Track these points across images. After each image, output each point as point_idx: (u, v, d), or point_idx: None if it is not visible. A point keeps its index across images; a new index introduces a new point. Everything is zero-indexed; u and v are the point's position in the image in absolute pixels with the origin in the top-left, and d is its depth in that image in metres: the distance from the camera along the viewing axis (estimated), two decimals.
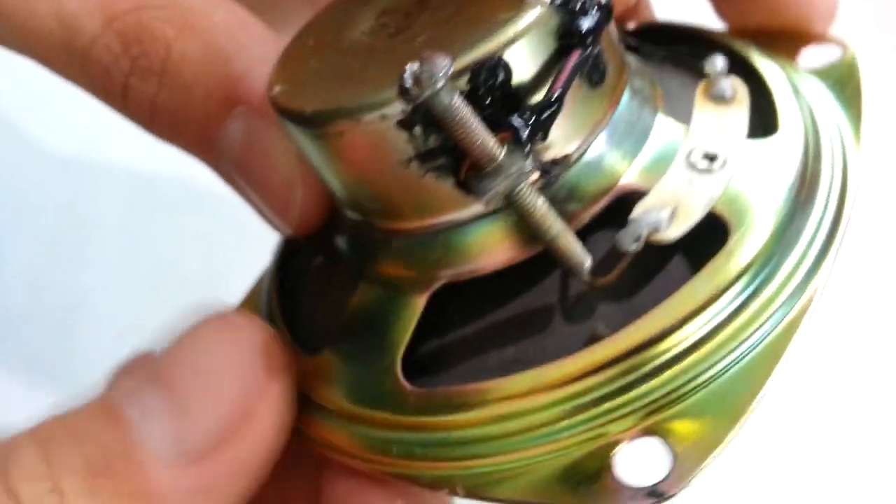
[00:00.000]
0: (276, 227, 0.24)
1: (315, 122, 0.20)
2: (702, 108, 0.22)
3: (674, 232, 0.19)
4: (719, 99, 0.22)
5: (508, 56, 0.18)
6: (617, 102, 0.21)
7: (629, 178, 0.21)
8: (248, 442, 0.20)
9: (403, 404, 0.20)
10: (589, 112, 0.20)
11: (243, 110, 0.22)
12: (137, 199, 0.40)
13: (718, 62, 0.22)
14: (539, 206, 0.19)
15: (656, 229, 0.19)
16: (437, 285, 0.21)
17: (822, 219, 0.21)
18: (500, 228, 0.20)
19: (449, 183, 0.19)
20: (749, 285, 0.19)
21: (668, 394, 0.18)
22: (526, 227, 0.20)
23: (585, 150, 0.20)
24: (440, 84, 0.17)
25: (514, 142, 0.18)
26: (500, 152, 0.18)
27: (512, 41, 0.18)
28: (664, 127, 0.21)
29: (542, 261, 0.20)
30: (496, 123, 0.18)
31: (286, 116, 0.20)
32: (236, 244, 0.38)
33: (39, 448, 0.18)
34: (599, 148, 0.21)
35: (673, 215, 0.20)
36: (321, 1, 0.23)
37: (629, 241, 0.19)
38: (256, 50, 0.22)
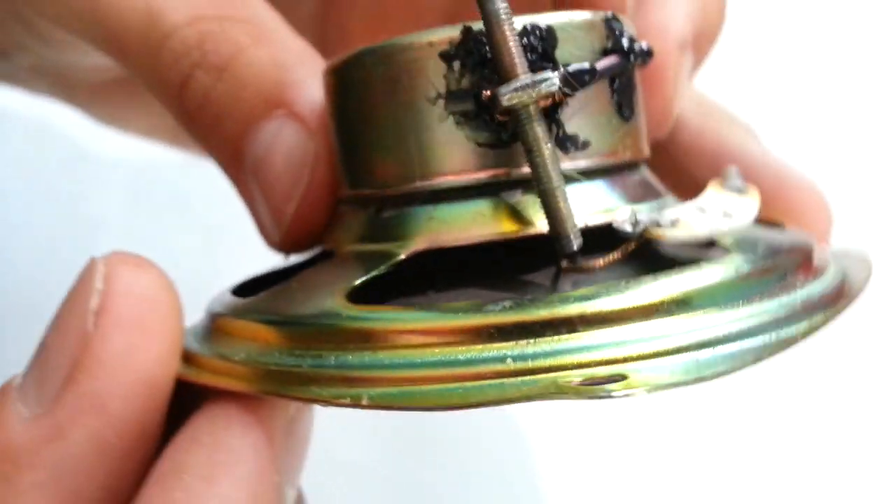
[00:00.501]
0: (266, 236, 0.24)
1: (368, 52, 0.21)
2: (715, 189, 0.22)
3: (671, 232, 0.19)
4: (732, 189, 0.22)
5: (558, 29, 0.20)
6: (640, 151, 0.22)
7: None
8: (94, 376, 0.18)
9: (337, 315, 0.18)
10: (613, 138, 0.21)
11: (282, 113, 0.23)
12: (138, 198, 0.39)
13: (732, 167, 0.23)
14: (547, 147, 0.19)
15: (657, 224, 0.19)
16: (413, 251, 0.20)
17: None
18: (494, 207, 0.20)
19: (464, 133, 0.20)
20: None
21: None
22: (520, 212, 0.20)
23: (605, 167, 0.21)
24: None
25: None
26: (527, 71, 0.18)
27: (565, 19, 0.20)
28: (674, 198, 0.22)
29: (531, 244, 0.20)
30: (532, 65, 0.19)
31: (343, 60, 0.21)
32: (236, 244, 0.36)
33: None
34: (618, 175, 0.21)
35: (675, 224, 0.19)
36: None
37: (626, 221, 0.19)
38: (311, 68, 0.24)
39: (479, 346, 0.17)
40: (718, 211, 0.21)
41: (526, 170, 0.19)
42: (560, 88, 0.18)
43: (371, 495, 0.34)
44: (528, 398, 0.16)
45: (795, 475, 0.35)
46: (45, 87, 0.32)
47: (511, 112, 0.18)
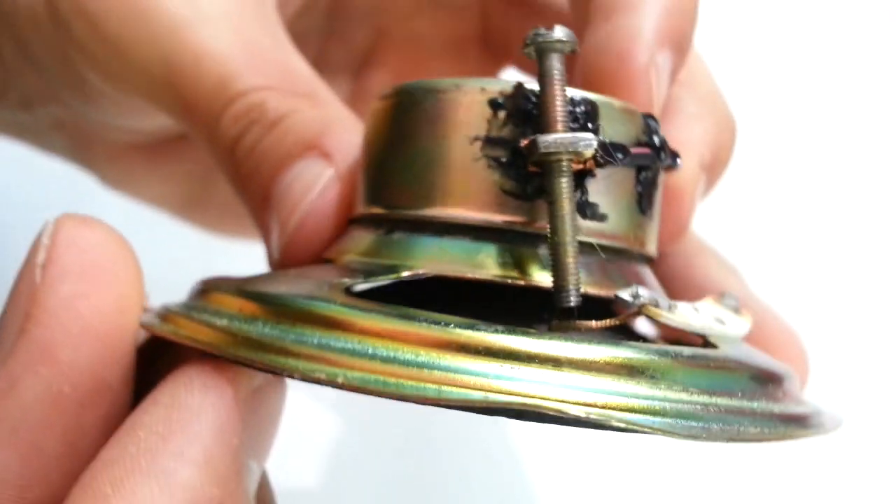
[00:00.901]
0: (270, 256, 0.25)
1: (420, 85, 0.22)
2: (711, 301, 0.23)
3: (668, 315, 0.19)
4: (728, 306, 0.23)
5: (602, 106, 0.21)
6: (649, 248, 0.22)
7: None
8: (42, 325, 0.18)
9: (331, 301, 0.18)
10: (629, 225, 0.22)
11: (314, 153, 0.25)
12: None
13: (731, 292, 0.24)
14: (570, 203, 0.19)
15: (655, 304, 0.19)
16: (416, 272, 0.20)
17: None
18: (503, 252, 0.20)
19: (493, 177, 0.20)
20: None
21: None
22: (525, 263, 0.20)
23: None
24: (562, 38, 0.19)
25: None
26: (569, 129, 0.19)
27: (610, 100, 0.21)
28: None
29: (529, 295, 0.20)
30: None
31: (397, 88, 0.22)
32: (236, 245, 0.36)
33: None
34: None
35: (672, 309, 0.20)
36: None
37: (627, 295, 0.19)
38: (351, 126, 0.26)
39: (467, 358, 0.17)
40: (712, 316, 0.21)
41: (540, 226, 0.20)
42: (596, 153, 0.19)
43: (370, 494, 0.33)
44: (509, 405, 0.16)
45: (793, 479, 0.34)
46: (60, 145, 0.33)
47: (544, 162, 0.19)
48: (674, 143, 0.24)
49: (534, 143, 0.19)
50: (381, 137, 0.23)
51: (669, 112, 0.25)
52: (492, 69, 0.34)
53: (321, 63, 0.32)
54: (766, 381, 0.20)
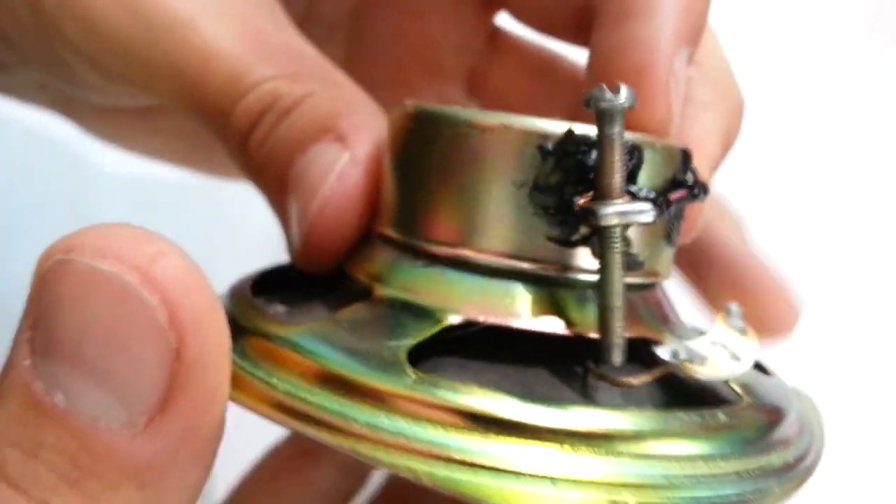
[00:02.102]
0: (291, 246, 0.25)
1: (465, 117, 0.21)
2: (722, 326, 0.24)
3: (703, 371, 0.21)
4: (736, 329, 0.24)
5: (647, 151, 0.21)
6: (669, 273, 0.23)
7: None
8: (198, 390, 0.17)
9: (401, 379, 0.19)
10: (660, 260, 0.22)
11: (331, 137, 0.24)
12: (138, 198, 0.38)
13: (733, 305, 0.25)
14: (619, 272, 0.20)
15: (691, 360, 0.21)
16: (465, 318, 0.21)
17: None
18: (544, 298, 0.21)
19: (537, 224, 0.20)
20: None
21: None
22: (567, 310, 0.21)
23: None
24: (624, 102, 0.19)
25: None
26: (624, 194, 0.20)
27: (653, 142, 0.21)
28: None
29: (571, 344, 0.21)
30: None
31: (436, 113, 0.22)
32: (236, 244, 0.35)
33: (3, 483, 0.17)
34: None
35: (704, 363, 0.21)
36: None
37: (667, 353, 0.20)
38: (368, 108, 0.25)
39: (537, 453, 0.18)
40: (728, 353, 0.23)
41: (581, 273, 0.21)
42: (651, 221, 0.20)
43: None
44: None
45: None
46: (43, 101, 0.31)
47: (600, 229, 0.19)
48: (686, 138, 0.24)
49: (591, 212, 0.19)
50: (416, 162, 0.22)
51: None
52: (487, 15, 0.32)
53: (311, 20, 0.30)
54: (779, 424, 0.22)
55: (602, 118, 0.19)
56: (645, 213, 0.19)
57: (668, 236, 0.22)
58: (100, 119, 0.32)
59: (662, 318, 0.22)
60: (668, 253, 0.23)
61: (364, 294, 0.22)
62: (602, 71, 0.24)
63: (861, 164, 0.51)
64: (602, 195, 0.19)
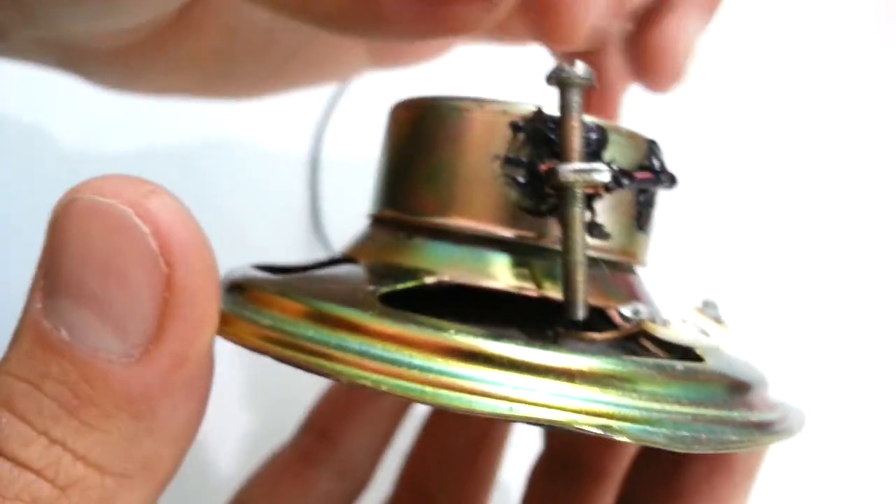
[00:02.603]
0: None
1: (449, 101, 0.23)
2: (696, 312, 0.25)
3: (665, 332, 0.22)
4: (711, 317, 0.25)
5: (611, 133, 0.23)
6: (642, 260, 0.24)
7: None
8: (188, 318, 0.19)
9: (369, 311, 0.20)
10: (628, 241, 0.24)
11: None
12: None
13: (712, 300, 0.26)
14: (581, 227, 0.21)
15: (653, 320, 0.22)
16: (440, 279, 0.22)
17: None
18: (515, 264, 0.22)
19: (510, 194, 0.22)
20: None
21: None
22: (536, 274, 0.22)
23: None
24: (582, 74, 0.21)
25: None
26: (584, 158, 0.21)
27: (618, 126, 0.23)
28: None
29: (542, 307, 0.22)
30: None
31: (422, 100, 0.24)
32: (236, 244, 0.37)
33: (6, 411, 0.18)
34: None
35: (666, 325, 0.22)
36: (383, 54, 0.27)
37: (629, 311, 0.21)
38: None
39: (494, 370, 0.19)
40: (698, 328, 0.24)
41: (550, 240, 0.22)
42: (608, 181, 0.21)
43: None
44: (529, 418, 0.18)
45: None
46: (49, 61, 0.31)
47: (561, 188, 0.21)
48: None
49: (553, 172, 0.21)
50: (404, 146, 0.24)
51: None
52: None
53: None
54: (744, 390, 0.22)
55: (561, 88, 0.21)
56: (601, 172, 0.21)
57: (638, 219, 0.24)
58: (109, 66, 0.31)
59: (633, 295, 0.24)
60: (639, 238, 0.24)
61: (350, 262, 0.24)
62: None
63: (861, 166, 0.53)
64: (561, 157, 0.21)
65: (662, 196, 0.27)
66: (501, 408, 0.18)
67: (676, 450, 0.19)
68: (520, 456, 0.35)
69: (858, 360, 0.47)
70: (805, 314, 0.48)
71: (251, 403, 0.42)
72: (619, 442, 0.32)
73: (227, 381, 0.42)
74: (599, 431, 0.18)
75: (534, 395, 0.19)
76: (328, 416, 0.35)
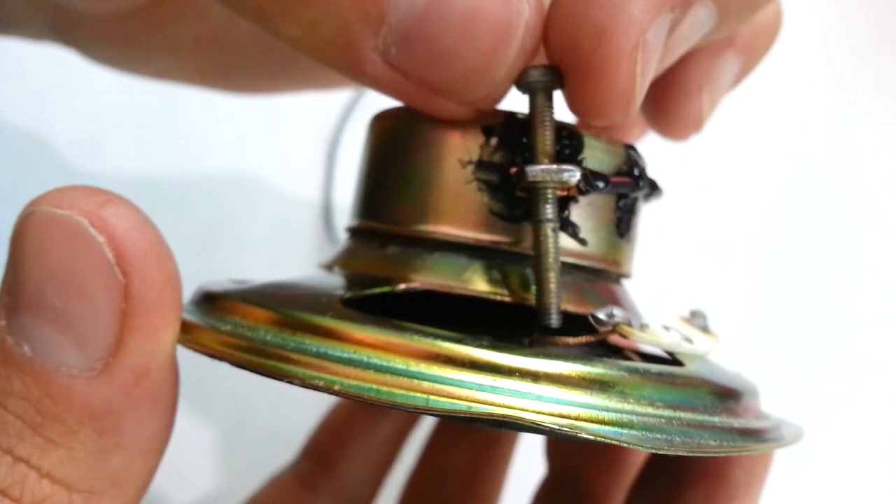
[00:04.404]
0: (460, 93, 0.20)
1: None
2: (681, 321, 0.24)
3: (639, 334, 0.21)
4: (697, 326, 0.25)
5: (586, 138, 0.22)
6: (624, 269, 0.24)
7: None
8: (147, 328, 0.19)
9: (330, 312, 0.20)
10: (607, 248, 0.23)
11: None
12: (138, 199, 0.40)
13: (700, 310, 0.25)
14: (553, 229, 0.21)
15: (628, 323, 0.21)
16: (409, 286, 0.22)
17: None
18: (489, 270, 0.22)
19: (483, 199, 0.22)
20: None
21: None
22: (511, 281, 0.22)
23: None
24: (553, 79, 0.21)
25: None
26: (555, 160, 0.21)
27: (595, 133, 0.23)
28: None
29: (513, 311, 0.22)
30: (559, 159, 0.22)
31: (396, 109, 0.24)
32: (236, 244, 0.37)
33: None
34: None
35: (644, 329, 0.21)
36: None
37: (603, 314, 0.21)
38: None
39: (454, 370, 0.18)
40: (681, 335, 0.23)
41: (526, 246, 0.22)
42: (579, 182, 0.21)
43: None
44: (490, 416, 0.17)
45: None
46: (42, 28, 0.30)
47: (531, 189, 0.21)
48: None
49: (522, 172, 0.21)
50: (378, 155, 0.24)
51: None
52: None
53: None
54: (727, 396, 0.22)
55: (530, 93, 0.21)
56: (570, 172, 0.21)
57: (619, 226, 0.23)
58: (105, 40, 0.30)
59: (613, 302, 0.23)
60: (621, 246, 0.24)
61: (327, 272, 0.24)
62: (559, 31, 0.20)
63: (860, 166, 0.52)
64: (532, 160, 0.21)
65: (660, 207, 0.27)
66: (460, 407, 0.18)
67: (646, 450, 0.18)
68: (523, 479, 0.34)
69: (850, 372, 0.47)
70: (798, 326, 0.48)
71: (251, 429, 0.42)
72: (619, 461, 0.32)
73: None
74: (565, 430, 0.18)
75: (494, 395, 0.18)
76: (328, 442, 0.35)
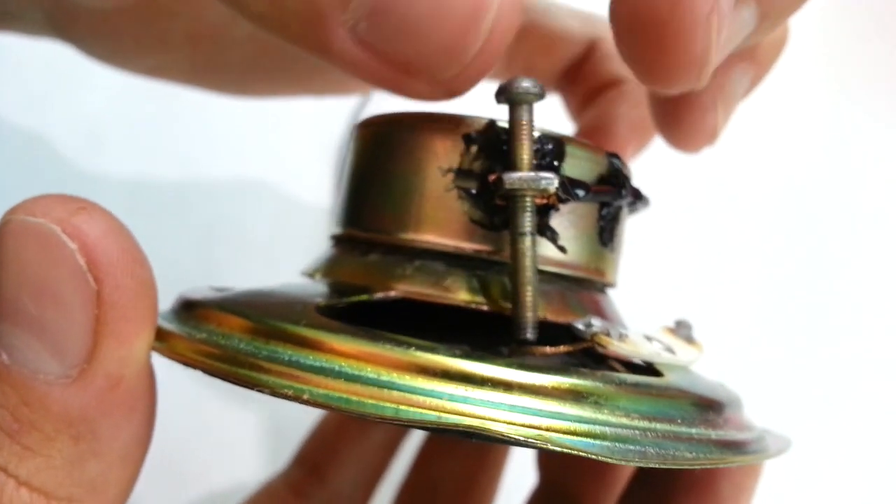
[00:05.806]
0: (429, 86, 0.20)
1: (398, 117, 0.23)
2: (665, 331, 0.24)
3: (618, 344, 0.21)
4: (681, 336, 0.24)
5: (568, 146, 0.22)
6: (607, 278, 0.24)
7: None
8: (120, 335, 0.19)
9: (303, 320, 0.20)
10: (588, 256, 0.23)
11: None
12: (139, 199, 0.40)
13: (685, 320, 0.25)
14: (531, 239, 0.21)
15: (606, 333, 0.21)
16: (387, 295, 0.22)
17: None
18: (469, 279, 0.22)
19: (463, 208, 0.22)
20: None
21: None
22: (490, 290, 0.22)
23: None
24: (533, 90, 0.21)
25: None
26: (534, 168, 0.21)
27: (576, 141, 0.22)
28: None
29: (492, 319, 0.21)
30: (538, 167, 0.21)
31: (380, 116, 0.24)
32: (235, 243, 0.36)
33: None
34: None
35: (623, 339, 0.21)
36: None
37: (581, 324, 0.21)
38: None
39: (425, 380, 0.18)
40: (663, 345, 0.23)
41: (505, 256, 0.22)
42: (557, 190, 0.21)
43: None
44: (458, 426, 0.17)
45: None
46: (44, 23, 0.30)
47: (509, 197, 0.21)
48: None
49: (500, 179, 0.21)
50: (362, 162, 0.24)
51: None
52: None
53: None
54: (707, 408, 0.21)
55: (510, 104, 0.21)
56: (549, 179, 0.20)
57: (601, 235, 0.23)
58: (99, 34, 0.30)
59: (595, 312, 0.23)
60: (604, 255, 0.23)
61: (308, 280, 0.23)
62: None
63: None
64: (511, 167, 0.21)
65: (653, 215, 0.27)
66: (429, 417, 0.18)
67: (617, 463, 0.18)
68: (514, 490, 0.34)
69: (844, 380, 0.46)
70: (792, 334, 0.48)
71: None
72: (608, 472, 0.31)
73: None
74: (533, 441, 0.17)
75: (465, 405, 0.18)
76: (319, 450, 0.35)
